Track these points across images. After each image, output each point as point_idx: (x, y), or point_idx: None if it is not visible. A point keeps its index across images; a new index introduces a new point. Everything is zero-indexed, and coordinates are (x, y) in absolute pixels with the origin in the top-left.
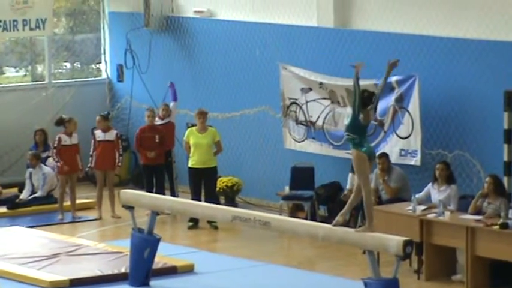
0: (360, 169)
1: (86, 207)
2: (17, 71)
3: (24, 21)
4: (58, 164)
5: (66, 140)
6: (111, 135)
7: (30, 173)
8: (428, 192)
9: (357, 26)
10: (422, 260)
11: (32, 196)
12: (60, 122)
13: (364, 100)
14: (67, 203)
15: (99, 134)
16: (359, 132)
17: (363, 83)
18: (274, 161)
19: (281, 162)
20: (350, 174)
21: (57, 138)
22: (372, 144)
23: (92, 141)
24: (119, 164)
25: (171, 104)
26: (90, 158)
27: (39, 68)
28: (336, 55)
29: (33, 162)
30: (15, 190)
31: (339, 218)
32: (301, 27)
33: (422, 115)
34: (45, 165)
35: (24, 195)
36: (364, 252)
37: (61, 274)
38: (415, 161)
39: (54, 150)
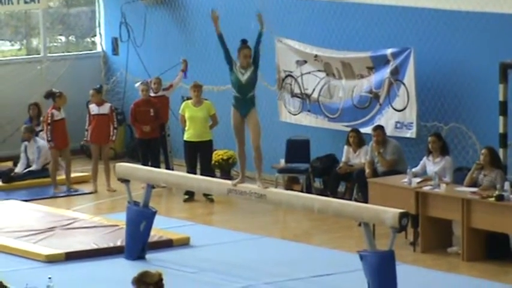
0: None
1: (81, 181)
2: (12, 45)
3: None
4: (50, 143)
5: (57, 115)
6: (105, 108)
7: (26, 147)
8: (424, 165)
9: None
10: (418, 232)
11: (27, 169)
12: (49, 95)
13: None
14: (62, 176)
15: (93, 108)
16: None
17: (359, 55)
18: (270, 133)
19: (276, 135)
20: (345, 147)
21: (49, 114)
22: (368, 117)
23: (87, 115)
24: (114, 137)
25: (179, 74)
26: (86, 132)
27: (34, 42)
28: (331, 28)
29: (27, 136)
30: (10, 164)
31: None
32: (296, 0)
33: (417, 87)
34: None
35: (19, 168)
36: (359, 225)
37: (57, 247)
38: (411, 133)
39: (49, 127)
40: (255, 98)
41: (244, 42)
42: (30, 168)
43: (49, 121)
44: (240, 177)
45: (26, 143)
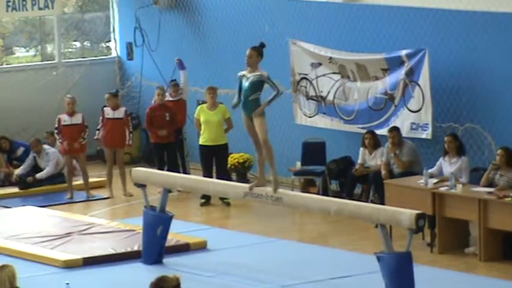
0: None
1: (97, 186)
2: (26, 51)
3: (33, 0)
4: (60, 142)
5: (66, 120)
6: (120, 112)
7: (34, 157)
8: (440, 166)
9: (365, 0)
10: (435, 233)
11: (45, 174)
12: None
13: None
14: (77, 182)
15: (108, 112)
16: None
17: (373, 56)
18: (285, 136)
19: (292, 138)
20: (361, 149)
21: (57, 119)
22: (383, 119)
23: (101, 117)
24: (130, 142)
25: (181, 73)
26: (98, 132)
27: (49, 48)
28: (346, 30)
29: (36, 149)
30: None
31: (255, 183)
32: (310, 2)
33: (432, 88)
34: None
35: (20, 171)
36: (376, 226)
37: (74, 253)
38: (426, 134)
39: (56, 131)
40: (259, 99)
41: (253, 47)
42: (44, 172)
43: (56, 126)
44: (257, 180)
45: (34, 154)
